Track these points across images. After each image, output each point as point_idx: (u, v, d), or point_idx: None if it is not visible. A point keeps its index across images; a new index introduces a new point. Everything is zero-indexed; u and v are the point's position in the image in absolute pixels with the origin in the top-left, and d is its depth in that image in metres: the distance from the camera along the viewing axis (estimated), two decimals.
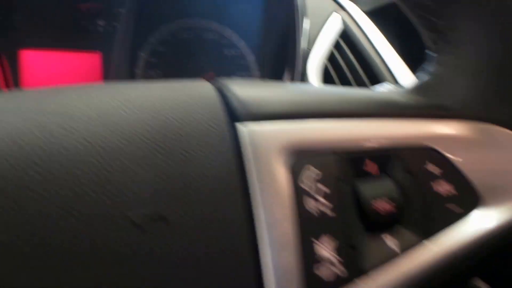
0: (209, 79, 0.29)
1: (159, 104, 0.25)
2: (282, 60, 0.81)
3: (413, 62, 0.78)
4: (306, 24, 0.76)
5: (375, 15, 0.85)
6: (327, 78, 0.78)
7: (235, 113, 0.26)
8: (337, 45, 0.81)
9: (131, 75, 0.81)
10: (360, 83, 0.78)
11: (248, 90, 0.28)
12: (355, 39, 0.80)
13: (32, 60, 0.77)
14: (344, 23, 0.83)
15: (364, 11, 0.86)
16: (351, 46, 0.80)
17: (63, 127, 0.22)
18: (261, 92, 0.29)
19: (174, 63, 0.86)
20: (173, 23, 0.87)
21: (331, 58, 0.79)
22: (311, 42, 0.77)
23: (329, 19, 0.82)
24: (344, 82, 0.78)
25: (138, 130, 0.23)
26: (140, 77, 0.84)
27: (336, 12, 0.83)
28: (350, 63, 0.79)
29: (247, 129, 0.26)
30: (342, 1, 0.87)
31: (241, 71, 0.89)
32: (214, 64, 0.88)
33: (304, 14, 0.76)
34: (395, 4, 0.35)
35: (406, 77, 0.76)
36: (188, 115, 0.25)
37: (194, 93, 0.27)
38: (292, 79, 0.72)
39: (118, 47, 0.77)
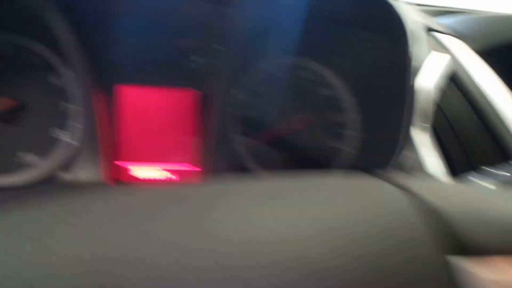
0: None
1: (358, 230, 0.21)
2: (385, 104, 0.76)
3: None
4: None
5: (490, 55, 0.79)
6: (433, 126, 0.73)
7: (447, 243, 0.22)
8: (443, 90, 0.75)
9: (225, 114, 0.79)
10: (471, 131, 0.72)
11: (452, 202, 0.23)
12: (465, 84, 0.74)
13: (129, 96, 0.77)
14: (451, 65, 0.77)
15: (476, 51, 0.80)
16: (461, 92, 0.74)
17: None
18: (470, 206, 0.24)
19: (267, 103, 0.83)
20: (271, 61, 0.84)
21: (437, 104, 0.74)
22: None
23: (431, 59, 0.77)
24: (454, 132, 0.73)
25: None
26: (232, 116, 0.82)
27: (436, 51, 0.78)
28: (460, 111, 0.73)
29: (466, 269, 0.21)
30: (447, 39, 0.81)
31: (336, 113, 0.85)
32: (307, 104, 0.85)
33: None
34: None
35: None
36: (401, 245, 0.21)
37: (389, 208, 0.23)
38: (409, 125, 0.67)
39: (214, 85, 0.75)
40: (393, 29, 0.70)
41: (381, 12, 0.69)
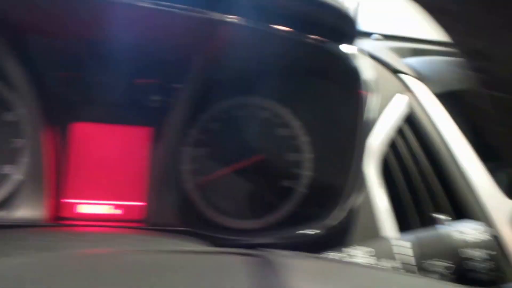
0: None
1: None
2: (337, 146, 0.75)
3: (486, 153, 0.71)
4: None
5: (447, 99, 0.78)
6: (386, 167, 0.71)
7: None
8: (400, 131, 0.74)
9: (177, 152, 0.78)
10: (423, 174, 0.70)
11: None
12: (422, 126, 0.73)
13: (81, 132, 0.76)
14: (411, 106, 0.76)
15: (435, 94, 0.79)
16: (417, 133, 0.73)
17: None
18: None
19: (224, 142, 0.83)
20: (228, 100, 0.84)
21: (392, 144, 0.73)
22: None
23: (394, 100, 0.76)
24: (405, 174, 0.71)
25: None
26: (188, 154, 0.81)
27: (401, 93, 0.78)
28: (414, 152, 0.71)
29: None
30: (410, 81, 0.81)
31: (291, 152, 0.83)
32: (263, 143, 0.83)
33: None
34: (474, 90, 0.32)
35: (477, 174, 0.68)
36: None
37: None
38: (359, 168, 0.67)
39: (169, 123, 0.74)
40: (347, 79, 0.71)
41: (337, 63, 0.70)
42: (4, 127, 0.76)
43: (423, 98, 0.78)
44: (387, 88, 0.77)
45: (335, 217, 0.65)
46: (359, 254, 0.53)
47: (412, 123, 0.75)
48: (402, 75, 0.82)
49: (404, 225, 0.66)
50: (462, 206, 0.67)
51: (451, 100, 0.78)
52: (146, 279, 0.24)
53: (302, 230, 0.66)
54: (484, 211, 0.64)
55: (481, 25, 0.31)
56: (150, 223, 0.70)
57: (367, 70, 0.69)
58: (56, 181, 0.73)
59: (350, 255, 0.54)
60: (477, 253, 0.51)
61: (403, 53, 0.93)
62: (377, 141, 0.71)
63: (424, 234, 0.56)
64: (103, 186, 0.76)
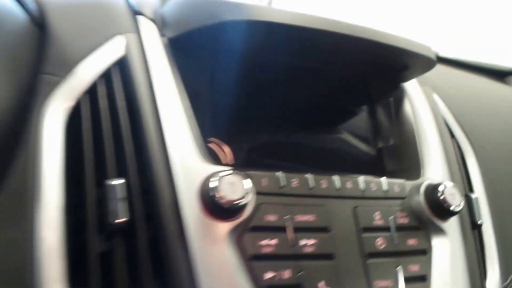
0: None
1: None
2: None
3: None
4: None
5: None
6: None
7: None
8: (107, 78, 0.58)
9: None
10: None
11: None
12: (132, 75, 0.58)
13: None
14: (128, 50, 0.60)
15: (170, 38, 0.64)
16: (125, 84, 0.59)
17: None
18: None
19: None
20: None
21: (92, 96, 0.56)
22: None
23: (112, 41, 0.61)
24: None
25: None
26: None
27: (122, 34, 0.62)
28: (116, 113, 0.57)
29: None
30: (142, 21, 0.64)
31: None
32: None
33: None
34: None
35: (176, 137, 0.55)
36: None
37: None
38: None
39: None
40: None
41: None
42: None
43: (150, 43, 0.62)
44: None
45: None
46: None
47: (123, 70, 0.59)
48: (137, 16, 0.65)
49: None
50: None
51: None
52: None
53: None
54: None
55: None
56: None
57: None
58: None
59: None
60: None
61: None
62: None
63: None
64: None
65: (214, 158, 0.62)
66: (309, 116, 0.82)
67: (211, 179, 0.50)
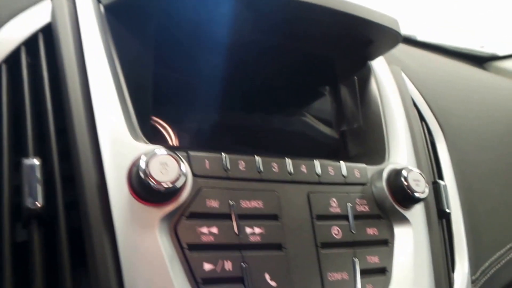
0: None
1: None
2: None
3: None
4: None
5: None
6: None
7: None
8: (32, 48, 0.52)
9: None
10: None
11: None
12: (60, 47, 0.51)
13: None
14: (54, 16, 0.53)
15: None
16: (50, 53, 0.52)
17: None
18: None
19: None
20: None
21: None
22: None
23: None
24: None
25: None
26: None
27: None
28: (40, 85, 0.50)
29: None
30: None
31: None
32: None
33: None
34: None
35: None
36: None
37: None
38: None
39: None
40: None
41: None
42: None
43: (83, 10, 0.55)
44: None
45: None
46: None
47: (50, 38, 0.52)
48: None
49: None
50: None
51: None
52: None
53: None
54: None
55: None
56: None
57: None
58: None
59: None
60: None
61: None
62: None
63: None
64: None
65: (159, 139, 0.56)
66: (269, 96, 0.77)
67: (141, 159, 0.44)
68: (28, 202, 0.43)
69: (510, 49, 1.52)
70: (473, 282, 0.71)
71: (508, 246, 0.83)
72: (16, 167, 0.45)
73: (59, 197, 0.45)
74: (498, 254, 0.80)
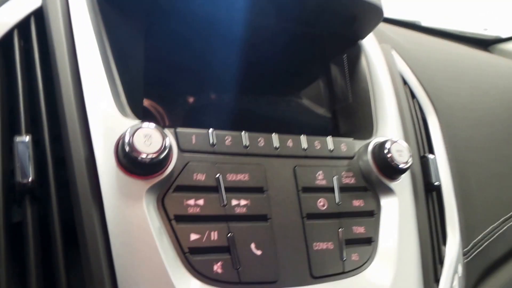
0: None
1: None
2: None
3: None
4: None
5: None
6: None
7: None
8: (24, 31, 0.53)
9: None
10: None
11: None
12: (51, 31, 0.53)
13: None
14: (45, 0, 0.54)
15: None
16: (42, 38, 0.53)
17: None
18: None
19: None
20: None
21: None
22: None
23: None
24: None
25: None
26: None
27: None
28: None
29: None
30: None
31: None
32: None
33: None
34: None
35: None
36: None
37: None
38: None
39: None
40: None
41: None
42: None
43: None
44: None
45: None
46: None
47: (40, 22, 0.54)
48: None
49: None
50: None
51: None
52: None
53: None
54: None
55: None
56: None
57: None
58: None
59: None
60: None
61: None
62: None
63: None
64: None
65: (152, 120, 0.58)
66: (264, 79, 0.78)
67: (127, 131, 0.46)
68: (20, 177, 0.45)
69: None
70: (464, 254, 0.72)
71: (502, 219, 0.84)
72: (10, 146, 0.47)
73: (50, 173, 0.47)
74: (491, 227, 0.81)
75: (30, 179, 0.45)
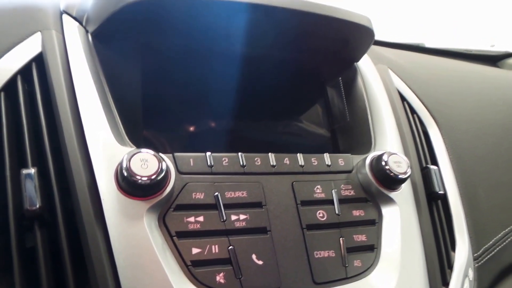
0: None
1: None
2: None
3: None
4: None
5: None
6: None
7: None
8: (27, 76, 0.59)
9: None
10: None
11: None
12: (51, 73, 0.58)
13: None
14: (44, 46, 0.60)
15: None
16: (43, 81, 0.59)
17: None
18: None
19: None
20: None
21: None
22: None
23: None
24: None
25: None
26: None
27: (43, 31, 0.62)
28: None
29: None
30: (67, 19, 0.65)
31: None
32: None
33: None
34: None
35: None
36: None
37: None
38: None
39: None
40: None
41: None
42: None
43: (71, 39, 0.62)
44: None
45: None
46: None
47: (42, 65, 0.59)
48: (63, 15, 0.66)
49: None
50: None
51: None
52: None
53: None
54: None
55: None
56: None
57: None
58: None
59: None
60: None
61: None
62: None
63: None
64: None
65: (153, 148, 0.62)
66: (262, 106, 0.82)
67: (124, 157, 0.50)
68: (28, 205, 0.49)
69: None
70: (476, 259, 0.72)
71: None
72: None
73: (56, 200, 0.51)
74: (502, 232, 0.81)
75: (37, 206, 0.49)
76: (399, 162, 0.62)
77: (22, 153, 0.54)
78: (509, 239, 0.81)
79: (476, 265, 0.72)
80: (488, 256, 0.75)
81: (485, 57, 1.48)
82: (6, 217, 0.50)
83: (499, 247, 0.78)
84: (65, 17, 0.65)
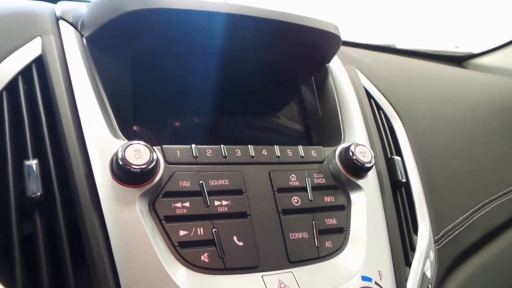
0: None
1: None
2: None
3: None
4: None
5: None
6: None
7: None
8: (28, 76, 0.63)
9: None
10: None
11: None
12: (50, 74, 0.63)
13: None
14: (44, 49, 0.65)
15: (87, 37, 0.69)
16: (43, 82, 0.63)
17: None
18: None
19: None
20: None
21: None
22: None
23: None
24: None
25: None
26: None
27: (43, 36, 0.67)
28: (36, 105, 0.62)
29: None
30: (63, 25, 0.70)
31: None
32: None
33: None
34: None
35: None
36: None
37: None
38: None
39: None
40: None
41: None
42: None
43: (68, 43, 0.67)
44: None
45: None
46: None
47: (41, 67, 0.64)
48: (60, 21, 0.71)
49: None
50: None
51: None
52: None
53: None
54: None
55: None
56: None
57: None
58: None
59: None
60: None
61: None
62: None
63: None
64: None
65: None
66: (242, 103, 0.88)
67: (119, 148, 0.55)
68: (30, 193, 0.54)
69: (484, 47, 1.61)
70: (436, 241, 0.80)
71: (471, 211, 0.91)
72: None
73: (55, 188, 0.56)
74: (461, 217, 0.88)
75: (39, 193, 0.54)
76: (365, 153, 0.68)
77: (24, 147, 0.58)
78: (466, 224, 0.89)
79: (437, 247, 0.79)
80: (448, 239, 0.83)
81: (450, 57, 1.56)
82: (8, 206, 0.54)
83: (458, 231, 0.86)
84: (61, 22, 0.70)
